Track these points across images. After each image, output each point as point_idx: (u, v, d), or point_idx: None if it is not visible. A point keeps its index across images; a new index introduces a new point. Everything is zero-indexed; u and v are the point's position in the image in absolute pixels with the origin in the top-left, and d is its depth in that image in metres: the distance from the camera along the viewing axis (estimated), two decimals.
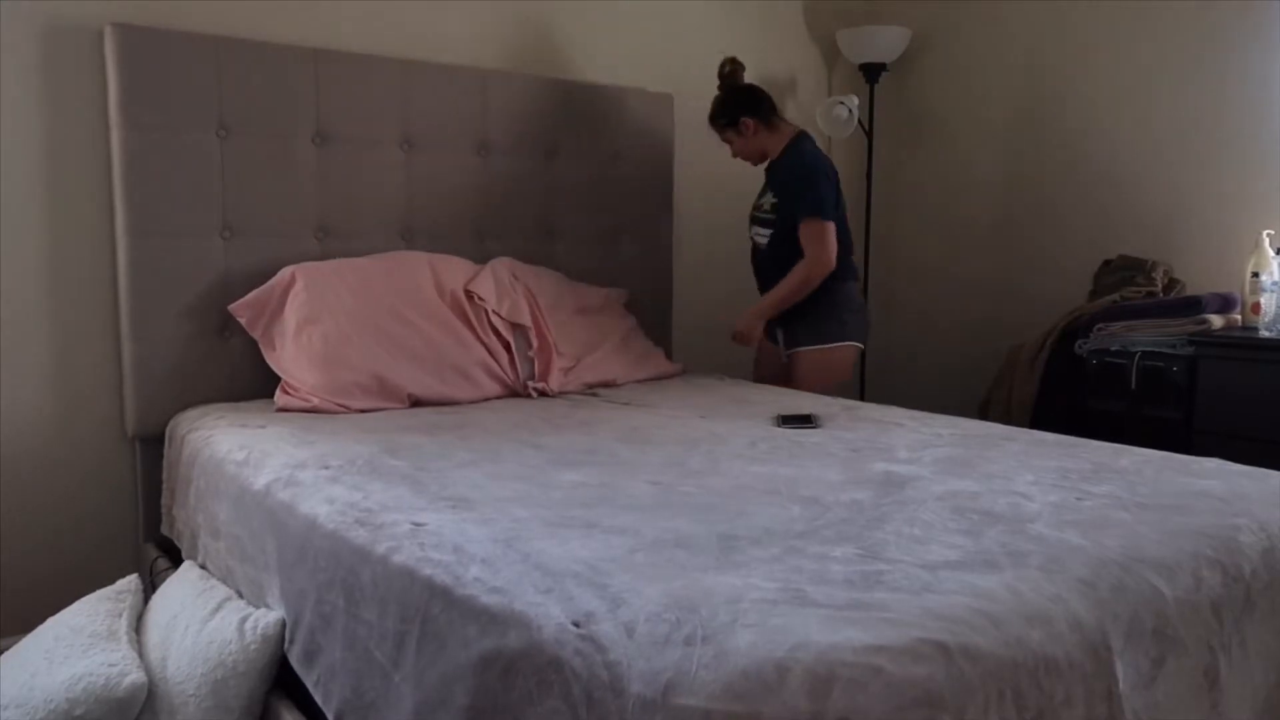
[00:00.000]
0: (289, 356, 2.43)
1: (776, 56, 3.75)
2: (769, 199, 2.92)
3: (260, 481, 1.86)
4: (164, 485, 2.39)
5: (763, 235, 2.95)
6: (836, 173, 2.91)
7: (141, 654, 1.83)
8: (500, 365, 2.65)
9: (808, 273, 2.81)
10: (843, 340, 2.92)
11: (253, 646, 1.67)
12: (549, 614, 1.17)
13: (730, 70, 2.98)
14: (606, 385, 2.82)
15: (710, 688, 1.00)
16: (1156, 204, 3.22)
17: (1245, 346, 2.64)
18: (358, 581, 1.48)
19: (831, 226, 2.81)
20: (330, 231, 2.67)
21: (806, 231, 2.81)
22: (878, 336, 3.95)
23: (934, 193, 3.86)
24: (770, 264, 2.93)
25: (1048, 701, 1.10)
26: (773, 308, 2.89)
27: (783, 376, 3.00)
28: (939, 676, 1.02)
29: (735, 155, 3.01)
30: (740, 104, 2.92)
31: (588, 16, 3.22)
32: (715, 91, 3.03)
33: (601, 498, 1.62)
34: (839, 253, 2.86)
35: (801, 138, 2.94)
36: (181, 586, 1.99)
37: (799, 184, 2.83)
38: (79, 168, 2.38)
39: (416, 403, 2.50)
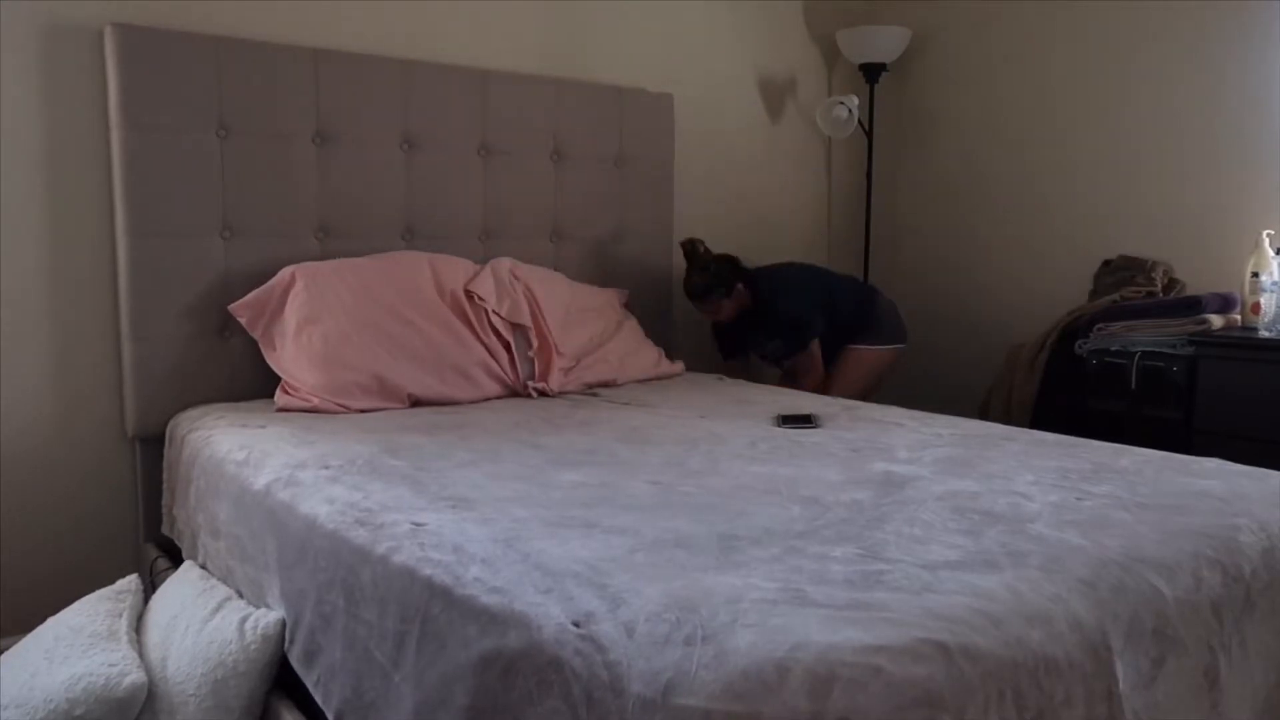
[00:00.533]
0: (289, 356, 2.43)
1: (776, 56, 3.75)
2: (776, 343, 3.19)
3: (260, 481, 1.86)
4: (164, 485, 2.39)
5: (789, 358, 3.22)
6: (798, 266, 3.29)
7: (142, 654, 1.83)
8: (500, 365, 2.65)
9: (812, 386, 3.16)
10: (897, 342, 3.27)
11: (253, 646, 1.67)
12: (549, 614, 1.17)
13: (704, 250, 3.11)
14: (606, 385, 2.82)
15: (710, 688, 1.00)
16: (1156, 204, 3.22)
17: (1245, 346, 2.64)
18: (358, 581, 1.48)
19: (816, 344, 3.15)
20: (330, 231, 2.67)
21: (807, 356, 3.17)
22: None
23: (934, 193, 3.86)
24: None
25: (1048, 701, 1.10)
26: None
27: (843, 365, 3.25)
28: (939, 676, 1.02)
29: (720, 319, 3.15)
30: (732, 272, 3.09)
31: (588, 16, 3.22)
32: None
33: (601, 498, 1.62)
34: (859, 283, 3.41)
35: (759, 275, 3.16)
36: (182, 586, 1.99)
37: (791, 320, 3.14)
38: (79, 168, 2.38)
39: (416, 403, 2.50)
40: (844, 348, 3.20)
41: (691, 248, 3.12)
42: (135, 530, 2.52)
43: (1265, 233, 2.82)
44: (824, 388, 3.12)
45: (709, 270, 3.07)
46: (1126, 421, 2.82)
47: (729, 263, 3.10)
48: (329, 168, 2.64)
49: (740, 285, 3.09)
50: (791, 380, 3.28)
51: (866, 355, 3.21)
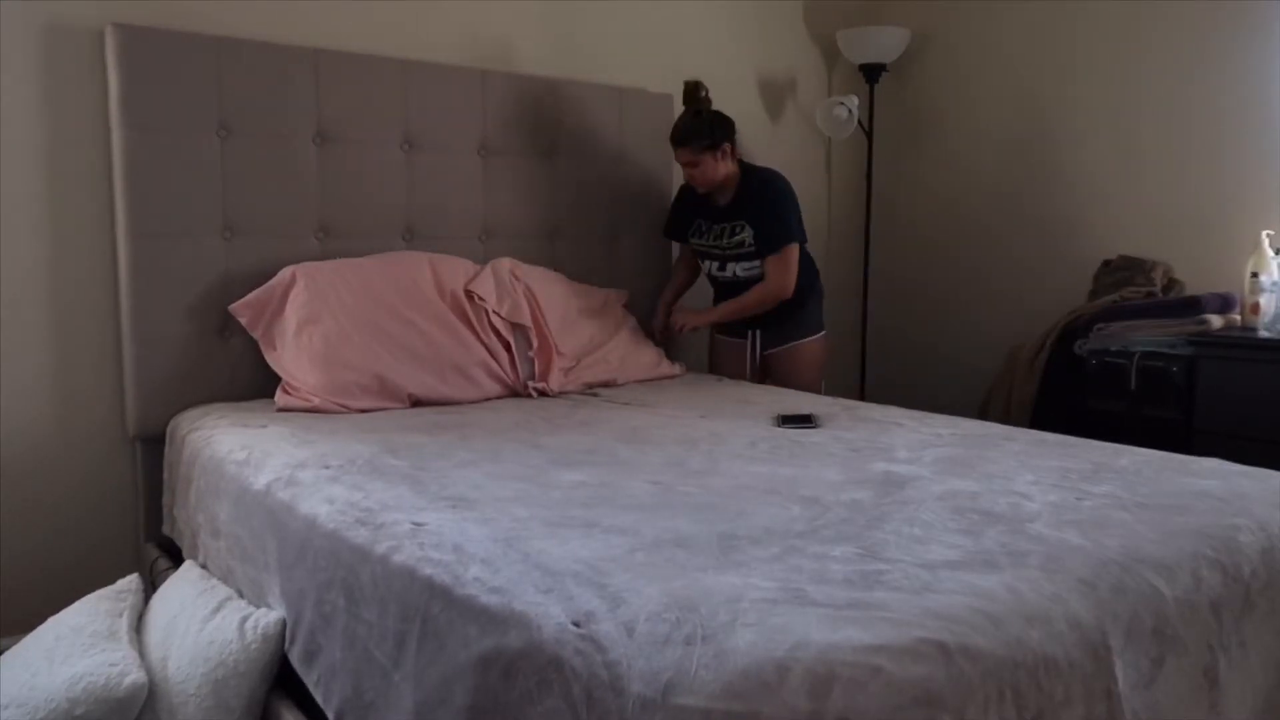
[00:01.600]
0: (289, 356, 2.43)
1: (776, 56, 3.75)
2: (747, 234, 2.92)
3: (261, 481, 1.86)
4: (165, 485, 2.39)
5: (749, 269, 2.97)
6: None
7: (142, 653, 1.83)
8: (500, 365, 2.65)
9: (771, 296, 2.93)
10: (823, 330, 3.12)
11: (253, 646, 1.67)
12: (549, 614, 1.17)
13: (706, 94, 2.91)
14: (606, 385, 2.82)
15: (710, 687, 1.00)
16: (1156, 204, 3.22)
17: (1245, 346, 2.64)
18: (358, 581, 1.48)
19: (796, 252, 2.92)
20: (330, 231, 2.67)
21: (781, 259, 2.91)
22: (878, 336, 3.96)
23: (934, 193, 3.86)
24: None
25: (1047, 701, 1.10)
26: (725, 318, 3.03)
27: (760, 373, 3.09)
28: (939, 676, 1.02)
29: (696, 180, 2.88)
30: (724, 128, 2.86)
31: (588, 16, 3.22)
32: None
33: (601, 497, 1.63)
34: (807, 252, 3.03)
35: (751, 166, 2.97)
36: (182, 586, 1.99)
37: (778, 212, 2.91)
38: (80, 168, 2.38)
39: (417, 402, 2.50)
40: (787, 344, 3.03)
41: (695, 89, 2.87)
42: (135, 530, 2.52)
43: (1265, 233, 2.82)
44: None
45: (703, 116, 2.83)
46: (1126, 421, 2.82)
47: (726, 120, 2.86)
48: (329, 168, 2.64)
49: (730, 148, 2.85)
50: (728, 295, 3.00)
51: (808, 350, 3.05)
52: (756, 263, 2.95)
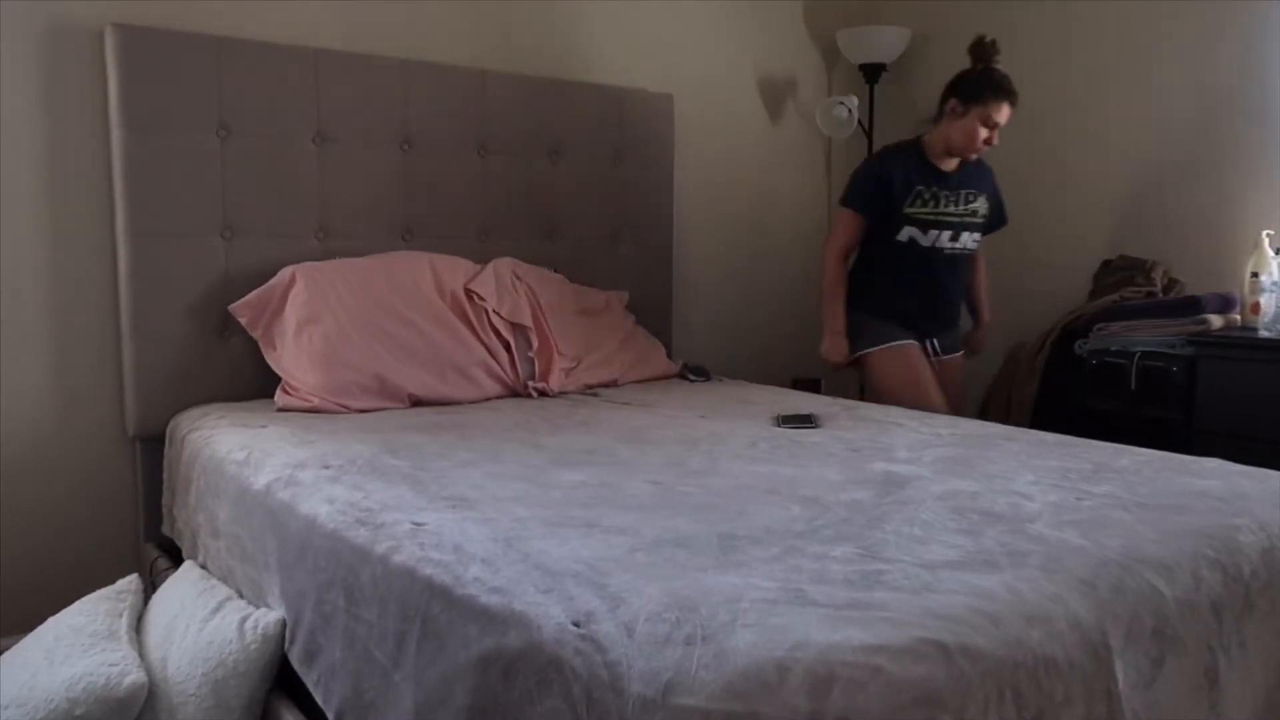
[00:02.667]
0: (289, 356, 2.43)
1: (776, 56, 3.75)
2: (980, 204, 2.85)
3: (260, 481, 1.86)
4: (164, 485, 2.39)
5: (977, 241, 2.90)
6: None
7: (142, 654, 1.83)
8: (500, 365, 2.65)
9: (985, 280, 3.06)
10: None
11: (253, 646, 1.67)
12: (549, 614, 1.17)
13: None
14: (607, 385, 2.82)
15: (710, 687, 1.00)
16: (1156, 204, 3.22)
17: (1245, 346, 2.64)
18: (358, 581, 1.48)
19: None
20: (330, 231, 2.67)
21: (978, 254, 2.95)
22: None
23: None
24: (968, 267, 2.96)
25: (1047, 701, 1.10)
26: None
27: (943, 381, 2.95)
28: (939, 676, 1.02)
29: (988, 143, 2.77)
30: None
31: (588, 16, 3.22)
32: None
33: (601, 497, 1.63)
34: None
35: None
36: (182, 586, 1.99)
37: (999, 190, 2.94)
38: (79, 168, 2.38)
39: (417, 402, 2.50)
40: (954, 352, 3.00)
41: (992, 43, 2.75)
42: (135, 530, 2.52)
43: (1265, 233, 2.82)
44: (942, 404, 2.81)
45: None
46: (1126, 421, 2.82)
47: None
48: (329, 168, 2.64)
49: None
50: (930, 272, 2.78)
51: (961, 360, 3.04)
52: (979, 235, 2.88)
